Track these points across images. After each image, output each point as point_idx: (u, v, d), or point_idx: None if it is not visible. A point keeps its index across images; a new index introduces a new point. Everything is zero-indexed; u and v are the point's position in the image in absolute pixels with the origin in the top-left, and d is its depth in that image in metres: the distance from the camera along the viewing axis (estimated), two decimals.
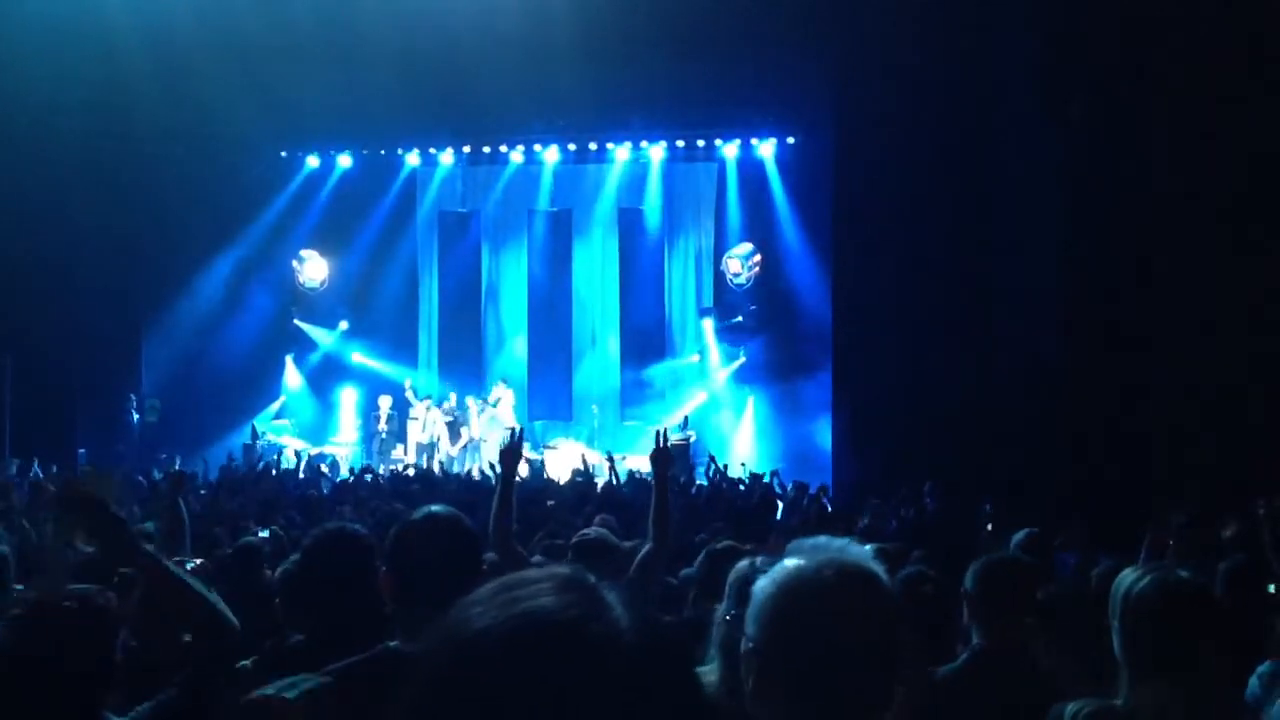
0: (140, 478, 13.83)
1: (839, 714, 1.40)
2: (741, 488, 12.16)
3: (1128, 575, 2.42)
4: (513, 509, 4.04)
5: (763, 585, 1.47)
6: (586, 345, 18.59)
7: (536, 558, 4.77)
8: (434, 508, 2.40)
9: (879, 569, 1.47)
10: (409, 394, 17.69)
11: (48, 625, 2.27)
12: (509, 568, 3.92)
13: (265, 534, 6.83)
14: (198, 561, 4.43)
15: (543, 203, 18.61)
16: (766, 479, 12.25)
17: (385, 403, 17.71)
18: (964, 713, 2.84)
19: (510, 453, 4.15)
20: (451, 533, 2.32)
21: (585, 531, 4.22)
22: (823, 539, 1.51)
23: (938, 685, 2.89)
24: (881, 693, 1.42)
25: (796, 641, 1.41)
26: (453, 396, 17.74)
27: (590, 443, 17.19)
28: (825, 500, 11.28)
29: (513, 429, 4.73)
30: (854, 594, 1.41)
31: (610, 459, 11.50)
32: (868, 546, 3.81)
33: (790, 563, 1.46)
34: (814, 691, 1.40)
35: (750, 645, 1.46)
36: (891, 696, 1.42)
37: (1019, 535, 5.22)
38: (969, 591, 3.09)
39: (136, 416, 16.82)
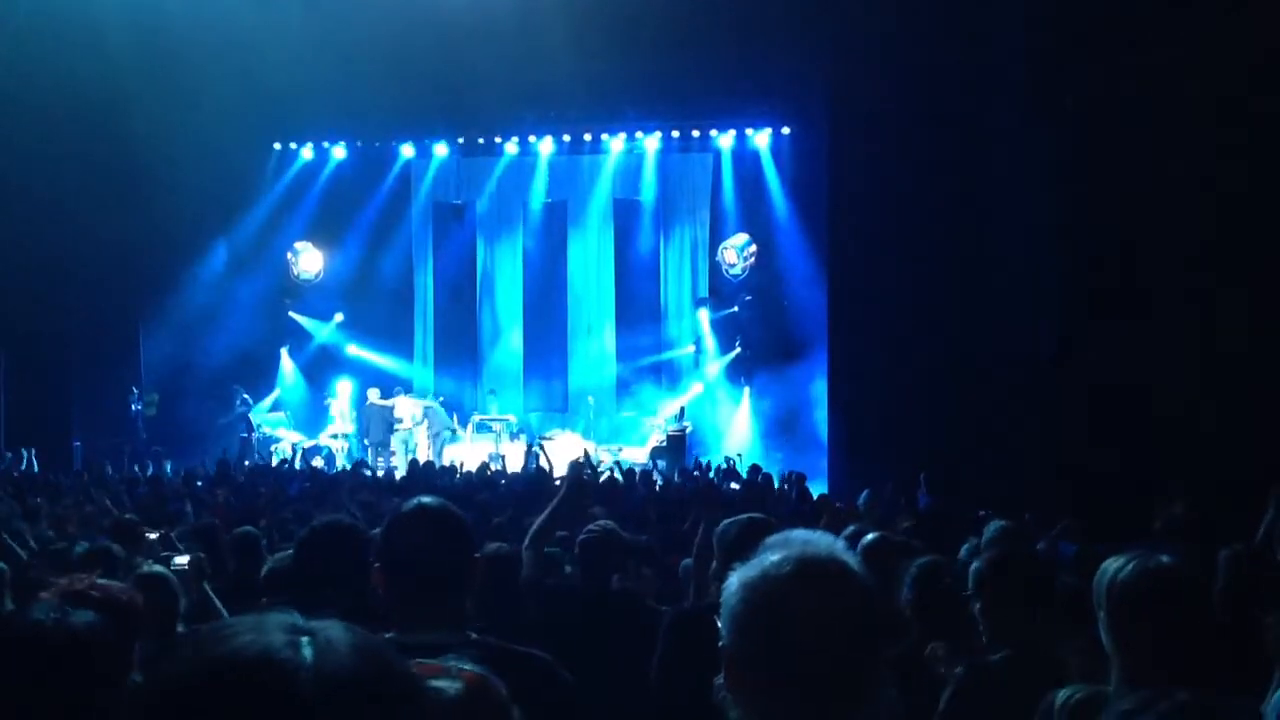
0: (135, 468, 13.86)
1: (811, 709, 1.38)
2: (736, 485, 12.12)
3: (1111, 563, 2.38)
4: (561, 520, 4.14)
5: (730, 583, 1.45)
6: (582, 336, 18.56)
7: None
8: (424, 499, 2.36)
9: (851, 561, 1.44)
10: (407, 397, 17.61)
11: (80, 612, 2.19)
12: (533, 568, 3.97)
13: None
14: (188, 558, 4.39)
15: (538, 194, 18.56)
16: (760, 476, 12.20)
17: (373, 395, 17.61)
18: (984, 713, 2.79)
19: (580, 468, 4.33)
20: (441, 523, 2.27)
21: (590, 527, 4.21)
22: (798, 532, 1.49)
23: (963, 683, 2.84)
24: (856, 687, 1.39)
25: (762, 638, 1.39)
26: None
27: (586, 434, 17.18)
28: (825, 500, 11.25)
29: (586, 452, 4.87)
30: (819, 589, 1.39)
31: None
32: (870, 535, 3.78)
33: (758, 559, 1.44)
34: (784, 688, 1.38)
35: (722, 643, 1.44)
36: (870, 690, 1.40)
37: (992, 532, 4.87)
38: (978, 589, 3.02)
39: (138, 408, 16.80)
